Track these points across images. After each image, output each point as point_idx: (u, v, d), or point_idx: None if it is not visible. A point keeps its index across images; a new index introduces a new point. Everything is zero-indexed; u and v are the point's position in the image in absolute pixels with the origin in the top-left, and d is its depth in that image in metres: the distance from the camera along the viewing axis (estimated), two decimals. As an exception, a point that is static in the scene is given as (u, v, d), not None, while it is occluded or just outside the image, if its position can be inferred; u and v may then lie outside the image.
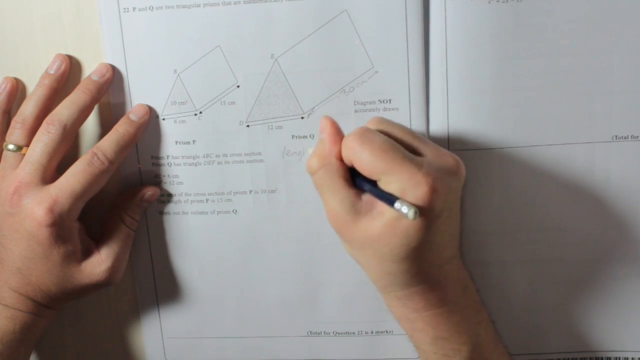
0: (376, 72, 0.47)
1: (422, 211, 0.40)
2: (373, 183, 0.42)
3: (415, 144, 0.43)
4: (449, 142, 0.48)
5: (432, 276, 0.43)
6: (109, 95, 0.49)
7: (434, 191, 0.40)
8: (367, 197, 0.43)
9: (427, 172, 0.41)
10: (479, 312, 0.47)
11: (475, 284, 0.49)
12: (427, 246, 0.42)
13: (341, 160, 0.44)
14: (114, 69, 0.49)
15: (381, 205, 0.42)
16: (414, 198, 0.40)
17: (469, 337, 0.45)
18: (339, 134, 0.44)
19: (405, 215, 0.39)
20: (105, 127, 0.50)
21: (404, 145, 0.43)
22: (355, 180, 0.44)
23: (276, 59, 0.48)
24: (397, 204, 0.40)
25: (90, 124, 0.50)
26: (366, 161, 0.41)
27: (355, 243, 0.43)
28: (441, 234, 0.42)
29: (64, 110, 0.47)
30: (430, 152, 0.43)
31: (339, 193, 0.43)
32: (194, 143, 0.50)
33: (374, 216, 0.42)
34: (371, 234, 0.42)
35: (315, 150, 0.45)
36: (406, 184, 0.40)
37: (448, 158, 0.43)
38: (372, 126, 0.44)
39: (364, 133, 0.42)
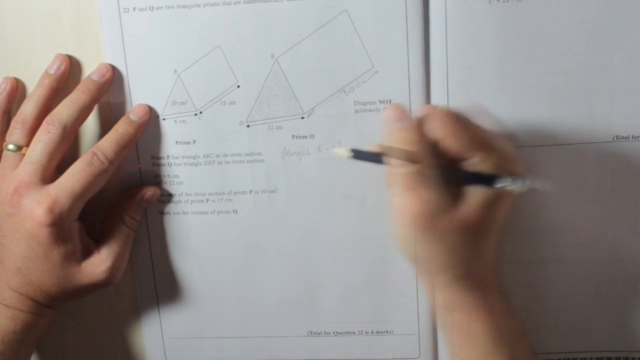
0: (376, 72, 0.47)
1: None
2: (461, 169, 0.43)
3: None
4: (449, 142, 0.48)
5: (491, 264, 0.45)
6: (109, 95, 0.49)
7: (522, 169, 0.42)
8: (453, 185, 0.43)
9: (516, 151, 0.42)
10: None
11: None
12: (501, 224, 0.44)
13: (432, 148, 0.42)
14: (114, 68, 0.49)
15: (472, 191, 0.42)
16: (511, 174, 0.42)
17: (517, 324, 0.46)
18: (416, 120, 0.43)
19: (517, 189, 0.41)
20: (105, 127, 0.50)
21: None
22: (443, 169, 0.42)
23: (276, 59, 0.48)
24: (503, 181, 0.41)
25: (90, 124, 0.50)
26: (463, 137, 0.42)
27: (442, 234, 0.42)
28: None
29: (64, 110, 0.47)
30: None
31: (434, 182, 0.42)
32: (194, 143, 0.50)
33: (469, 202, 0.42)
34: (467, 219, 0.42)
35: (403, 141, 0.42)
36: (504, 161, 0.42)
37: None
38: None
39: (453, 112, 0.43)
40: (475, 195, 0.42)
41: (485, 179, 0.42)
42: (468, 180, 0.42)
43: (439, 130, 0.42)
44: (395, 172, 0.42)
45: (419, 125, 0.42)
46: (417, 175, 0.42)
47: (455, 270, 0.44)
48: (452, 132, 0.42)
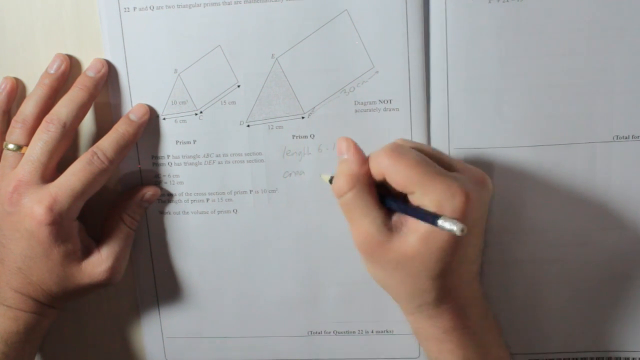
0: (377, 72, 0.48)
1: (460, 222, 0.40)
2: (404, 202, 0.42)
3: (445, 159, 0.44)
4: (449, 142, 0.48)
5: (463, 292, 0.44)
6: (109, 95, 0.49)
7: (470, 202, 0.40)
8: (396, 216, 0.43)
9: (462, 183, 0.41)
10: (499, 334, 0.47)
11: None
12: (460, 260, 0.42)
13: (370, 179, 0.44)
14: (109, 63, 0.49)
15: (413, 222, 0.42)
16: (451, 209, 0.40)
17: (494, 359, 0.45)
18: (362, 153, 0.44)
19: (451, 232, 0.39)
20: (105, 127, 0.50)
21: (434, 160, 0.43)
22: (385, 200, 0.43)
23: (277, 59, 0.48)
24: (440, 222, 0.39)
25: (90, 124, 0.50)
26: (402, 175, 0.41)
27: (388, 264, 0.43)
28: (472, 248, 0.43)
29: (63, 108, 0.47)
30: (459, 167, 0.43)
31: (370, 213, 0.43)
32: (194, 143, 0.50)
33: (407, 233, 0.42)
34: (406, 251, 0.42)
35: (342, 172, 0.44)
36: (443, 196, 0.40)
37: (476, 171, 0.43)
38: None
39: (397, 147, 0.42)
40: (412, 228, 0.42)
41: (424, 215, 0.41)
42: (410, 214, 0.42)
43: (380, 167, 0.42)
44: (341, 199, 0.44)
45: (360, 159, 0.43)
46: (350, 205, 0.43)
47: (407, 302, 0.45)
48: (392, 169, 0.42)
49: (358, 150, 0.44)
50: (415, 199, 0.42)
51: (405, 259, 0.42)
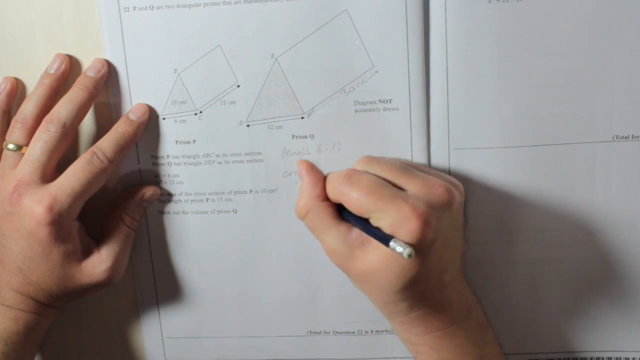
0: (376, 72, 0.48)
1: (414, 245, 0.40)
2: (364, 219, 0.43)
3: (402, 180, 0.44)
4: (449, 142, 0.48)
5: (433, 300, 0.44)
6: (109, 95, 0.49)
7: (423, 224, 0.41)
8: (357, 230, 0.44)
9: (413, 206, 0.41)
10: (485, 332, 0.47)
11: (475, 286, 0.49)
12: (424, 275, 0.43)
13: (326, 199, 0.45)
14: (109, 63, 0.49)
15: (374, 240, 0.42)
16: (404, 233, 0.41)
17: (474, 359, 0.45)
18: (316, 175, 0.45)
19: (400, 254, 0.40)
20: (105, 126, 0.50)
21: (391, 183, 0.43)
22: (344, 215, 0.44)
23: (276, 59, 0.48)
24: (391, 244, 0.40)
25: (90, 124, 0.50)
26: (356, 203, 0.43)
27: (356, 276, 0.44)
28: (438, 261, 0.43)
29: (63, 108, 0.47)
30: (417, 186, 0.43)
31: (330, 231, 0.44)
32: (194, 142, 0.50)
33: (369, 250, 0.43)
34: (368, 267, 0.43)
35: (299, 196, 0.46)
36: (395, 220, 0.41)
37: (437, 189, 0.43)
38: (360, 167, 0.46)
39: (352, 174, 0.43)
40: (374, 245, 0.43)
41: (378, 236, 0.42)
42: (367, 232, 0.43)
43: (335, 194, 0.44)
44: (303, 221, 0.46)
45: (313, 182, 0.45)
46: (311, 226, 0.45)
47: (380, 309, 0.46)
48: (346, 197, 0.43)
49: (310, 173, 0.45)
50: (373, 222, 0.42)
51: (368, 274, 0.43)
